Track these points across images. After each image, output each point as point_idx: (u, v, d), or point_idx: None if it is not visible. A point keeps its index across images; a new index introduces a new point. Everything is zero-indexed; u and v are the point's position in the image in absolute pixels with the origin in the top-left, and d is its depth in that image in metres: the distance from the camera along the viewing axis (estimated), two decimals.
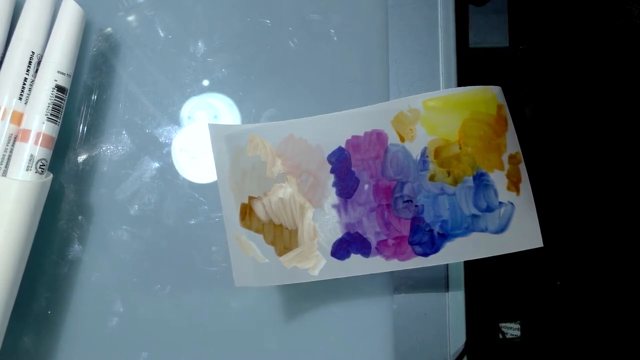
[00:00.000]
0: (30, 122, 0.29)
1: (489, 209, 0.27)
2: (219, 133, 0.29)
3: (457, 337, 0.32)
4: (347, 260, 0.28)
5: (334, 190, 0.27)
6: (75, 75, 0.31)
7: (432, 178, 0.27)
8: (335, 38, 0.34)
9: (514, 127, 0.28)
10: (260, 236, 0.28)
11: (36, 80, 0.29)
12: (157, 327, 0.33)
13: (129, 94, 0.33)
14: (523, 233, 0.27)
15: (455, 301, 0.32)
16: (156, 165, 0.33)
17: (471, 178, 0.27)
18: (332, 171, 0.27)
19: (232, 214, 0.29)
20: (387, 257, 0.27)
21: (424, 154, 0.27)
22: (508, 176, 0.27)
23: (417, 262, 0.27)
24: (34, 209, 0.29)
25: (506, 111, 0.28)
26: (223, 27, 0.34)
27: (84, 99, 0.33)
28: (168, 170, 0.33)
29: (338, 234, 0.28)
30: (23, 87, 0.29)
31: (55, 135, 0.30)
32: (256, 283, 0.29)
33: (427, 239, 0.27)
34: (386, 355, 0.32)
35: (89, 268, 0.33)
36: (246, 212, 0.28)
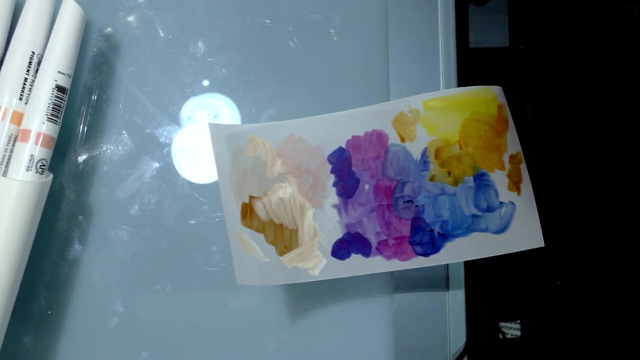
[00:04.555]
0: (31, 122, 0.29)
1: (490, 209, 0.27)
2: (219, 133, 0.29)
3: (457, 337, 0.32)
4: (347, 260, 0.28)
5: (334, 190, 0.27)
6: (76, 75, 0.31)
7: (432, 178, 0.27)
8: (335, 38, 0.34)
9: (515, 127, 0.28)
10: (261, 235, 0.28)
11: (36, 80, 0.29)
12: (157, 327, 0.33)
13: (129, 94, 0.33)
14: (524, 233, 0.27)
15: (455, 301, 0.32)
16: (156, 165, 0.33)
17: (472, 178, 0.27)
18: (332, 171, 0.27)
19: (233, 213, 0.29)
20: (388, 257, 0.27)
21: (424, 154, 0.27)
22: (509, 176, 0.27)
23: (418, 262, 0.27)
24: (34, 209, 0.29)
25: (507, 111, 0.28)
26: (223, 27, 0.34)
27: (84, 99, 0.33)
28: (168, 170, 0.33)
29: (338, 234, 0.28)
30: (23, 87, 0.29)
31: (55, 135, 0.30)
32: (257, 282, 0.29)
33: (427, 239, 0.27)
34: (386, 355, 0.32)
35: (89, 268, 0.33)
36: (247, 211, 0.28)
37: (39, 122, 0.29)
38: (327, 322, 0.33)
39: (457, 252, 0.27)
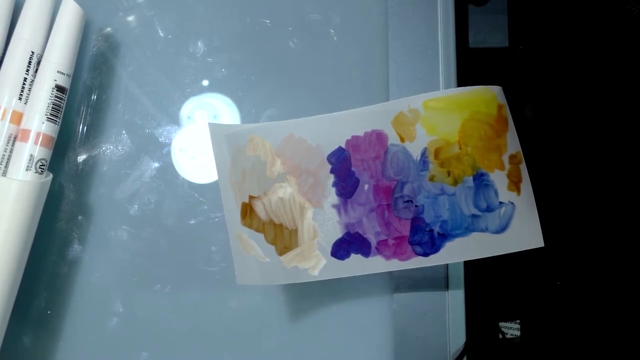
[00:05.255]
0: (30, 122, 0.29)
1: (489, 209, 0.27)
2: (219, 133, 0.29)
3: (457, 337, 0.32)
4: (347, 260, 0.28)
5: (334, 190, 0.27)
6: (75, 75, 0.31)
7: (432, 178, 0.27)
8: (335, 38, 0.34)
9: (515, 127, 0.28)
10: (261, 235, 0.28)
11: (36, 80, 0.29)
12: (157, 327, 0.33)
13: (128, 94, 0.33)
14: (524, 233, 0.27)
15: (455, 301, 0.32)
16: (156, 165, 0.33)
17: (471, 178, 0.27)
18: (332, 171, 0.27)
19: (233, 212, 0.29)
20: (387, 257, 0.27)
21: (424, 154, 0.27)
22: (509, 176, 0.27)
23: (417, 262, 0.27)
24: (34, 209, 0.29)
25: (507, 111, 0.28)
26: (223, 27, 0.34)
27: (84, 98, 0.33)
28: (168, 170, 0.33)
29: (338, 234, 0.28)
30: (23, 87, 0.29)
31: (55, 135, 0.30)
32: (257, 282, 0.29)
33: (427, 239, 0.27)
34: (386, 355, 0.32)
35: (88, 268, 0.32)
36: (247, 211, 0.28)
37: (38, 122, 0.29)
38: (327, 322, 0.33)
39: (456, 252, 0.27)
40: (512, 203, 0.27)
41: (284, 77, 0.34)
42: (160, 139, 0.33)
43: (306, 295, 0.33)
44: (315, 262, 0.28)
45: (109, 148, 0.33)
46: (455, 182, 0.27)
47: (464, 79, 0.33)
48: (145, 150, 0.33)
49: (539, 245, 0.28)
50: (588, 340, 0.42)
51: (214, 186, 0.33)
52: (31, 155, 0.29)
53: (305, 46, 0.34)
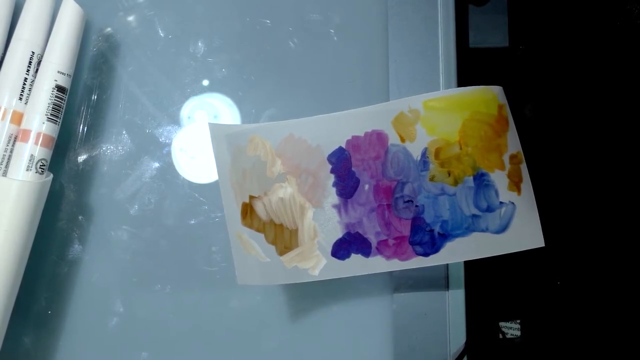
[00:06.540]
0: (31, 122, 0.29)
1: (490, 209, 0.27)
2: (219, 133, 0.29)
3: (457, 337, 0.32)
4: (347, 260, 0.28)
5: (334, 190, 0.27)
6: (76, 75, 0.31)
7: (432, 178, 0.27)
8: (335, 38, 0.34)
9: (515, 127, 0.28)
10: (262, 235, 0.28)
11: (36, 80, 0.29)
12: (157, 327, 0.33)
13: (129, 94, 0.33)
14: (524, 233, 0.27)
15: (455, 301, 0.32)
16: (156, 165, 0.33)
17: (472, 178, 0.27)
18: (332, 171, 0.27)
19: (233, 212, 0.29)
20: (388, 257, 0.27)
21: (424, 154, 0.27)
22: (509, 176, 0.27)
23: (418, 262, 0.27)
24: (34, 209, 0.29)
25: (507, 111, 0.28)
26: (223, 27, 0.34)
27: (84, 99, 0.33)
28: (168, 170, 0.33)
29: (338, 234, 0.28)
30: (23, 87, 0.29)
31: (55, 135, 0.30)
32: (258, 282, 0.29)
33: (427, 239, 0.27)
34: (386, 355, 0.32)
35: (89, 268, 0.32)
36: (247, 211, 0.28)
37: (38, 122, 0.29)
38: (327, 322, 0.33)
39: (457, 252, 0.27)
40: (513, 203, 0.27)
41: (284, 77, 0.34)
42: (160, 139, 0.33)
43: (306, 295, 0.33)
44: (315, 262, 0.28)
45: (109, 148, 0.33)
46: (456, 182, 0.27)
47: (464, 79, 0.33)
48: (146, 150, 0.33)
49: (540, 245, 0.28)
50: (588, 340, 0.42)
51: (214, 186, 0.33)
52: (31, 156, 0.29)
53: (305, 46, 0.34)
